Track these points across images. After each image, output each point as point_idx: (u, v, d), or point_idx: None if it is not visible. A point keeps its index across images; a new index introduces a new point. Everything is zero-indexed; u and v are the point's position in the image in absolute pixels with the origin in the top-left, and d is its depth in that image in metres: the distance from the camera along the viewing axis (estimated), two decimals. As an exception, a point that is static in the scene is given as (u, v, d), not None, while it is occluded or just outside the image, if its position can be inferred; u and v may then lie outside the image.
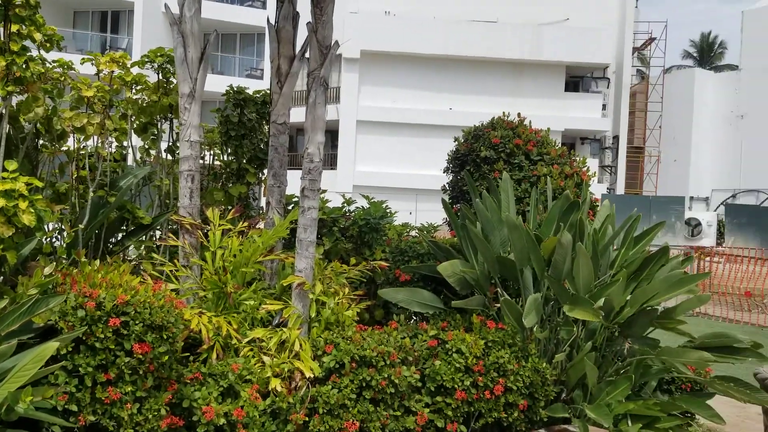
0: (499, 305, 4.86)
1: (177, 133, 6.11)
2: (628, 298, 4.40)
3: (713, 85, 35.82)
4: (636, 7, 34.44)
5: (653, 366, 4.64)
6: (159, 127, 6.23)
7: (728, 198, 33.18)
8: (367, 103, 30.46)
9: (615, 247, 5.07)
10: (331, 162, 31.07)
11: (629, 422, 4.26)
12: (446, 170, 7.12)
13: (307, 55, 4.79)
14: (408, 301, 5.16)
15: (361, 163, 30.33)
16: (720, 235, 26.62)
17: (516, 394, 4.32)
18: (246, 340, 4.29)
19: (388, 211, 6.04)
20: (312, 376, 4.08)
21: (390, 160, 30.42)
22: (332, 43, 4.52)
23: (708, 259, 13.83)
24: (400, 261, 5.64)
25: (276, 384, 3.98)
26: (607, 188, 31.75)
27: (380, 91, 30.74)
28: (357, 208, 6.04)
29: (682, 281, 4.36)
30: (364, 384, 4.09)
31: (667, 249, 4.63)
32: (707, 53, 49.71)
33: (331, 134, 31.38)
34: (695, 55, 50.31)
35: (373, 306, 5.60)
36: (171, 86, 6.06)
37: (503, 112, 6.92)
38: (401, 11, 30.54)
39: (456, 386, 4.22)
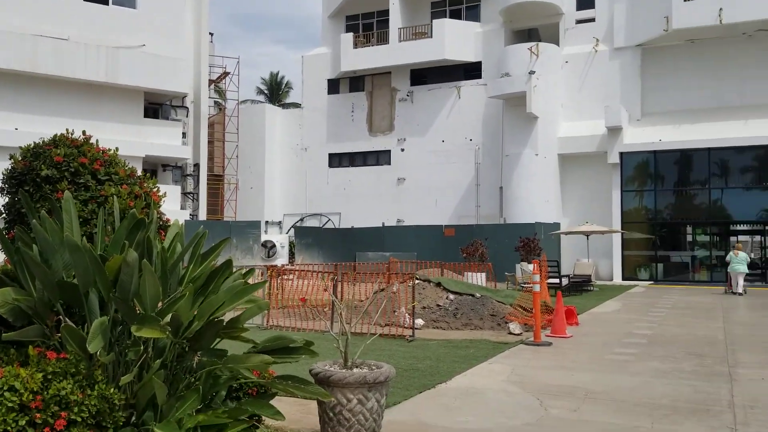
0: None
1: None
2: (196, 312, 4.53)
3: (281, 120, 39.58)
4: (211, 42, 36.06)
5: (222, 376, 4.84)
6: None
7: (297, 221, 36.99)
8: None
9: (185, 265, 5.16)
10: None
11: (200, 433, 4.37)
12: (1, 191, 6.34)
13: None
14: (-55, 342, 4.40)
15: None
16: (292, 254, 29.49)
17: (81, 426, 4.03)
18: None
19: None
20: None
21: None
22: None
23: (280, 276, 15.12)
24: (-66, 296, 4.78)
25: None
26: (190, 214, 32.24)
27: None
28: None
29: (243, 291, 4.67)
30: None
31: (230, 262, 4.91)
32: (276, 91, 54.99)
33: None
34: (266, 92, 55.11)
35: None
36: None
37: (66, 129, 6.49)
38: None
39: (9, 428, 3.75)
